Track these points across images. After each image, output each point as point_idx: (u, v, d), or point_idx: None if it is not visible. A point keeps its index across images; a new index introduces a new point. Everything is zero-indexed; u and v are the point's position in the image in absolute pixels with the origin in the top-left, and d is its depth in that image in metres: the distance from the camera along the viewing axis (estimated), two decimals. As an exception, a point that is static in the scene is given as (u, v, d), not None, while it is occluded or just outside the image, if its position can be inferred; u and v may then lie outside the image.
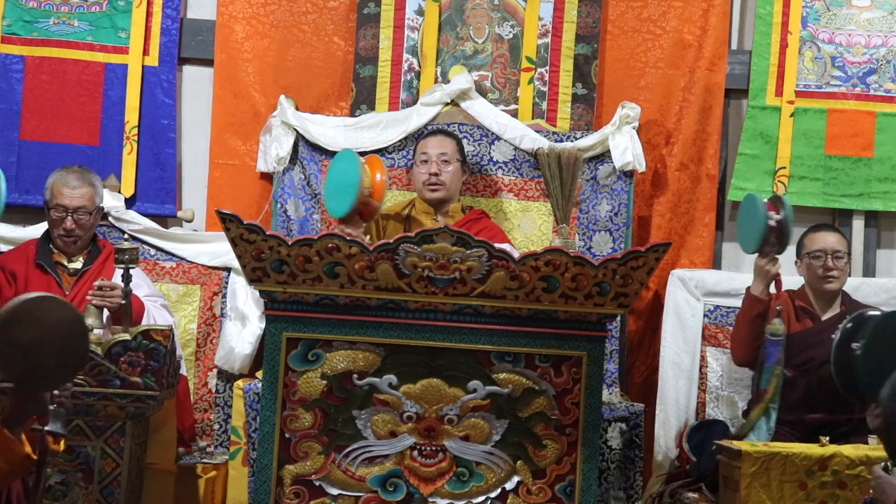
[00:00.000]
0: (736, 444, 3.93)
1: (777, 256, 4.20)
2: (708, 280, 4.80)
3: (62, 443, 3.17)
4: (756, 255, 4.23)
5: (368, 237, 4.32)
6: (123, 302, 3.96)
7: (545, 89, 5.02)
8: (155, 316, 4.27)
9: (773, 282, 4.22)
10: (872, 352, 3.90)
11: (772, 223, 4.11)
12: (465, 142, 4.78)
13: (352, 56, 5.05)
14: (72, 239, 4.34)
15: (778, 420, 4.14)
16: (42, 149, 4.97)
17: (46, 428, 3.05)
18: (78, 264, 4.35)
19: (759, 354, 4.23)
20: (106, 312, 4.06)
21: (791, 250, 4.43)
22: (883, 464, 3.03)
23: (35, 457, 2.88)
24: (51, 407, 3.07)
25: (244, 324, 4.67)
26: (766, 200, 4.16)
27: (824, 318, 4.40)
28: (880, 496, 2.99)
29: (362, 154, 4.62)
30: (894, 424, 2.90)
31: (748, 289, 4.29)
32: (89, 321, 3.89)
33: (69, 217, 4.31)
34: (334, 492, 3.44)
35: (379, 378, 3.43)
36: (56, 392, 3.09)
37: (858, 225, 5.07)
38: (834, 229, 4.61)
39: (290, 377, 3.44)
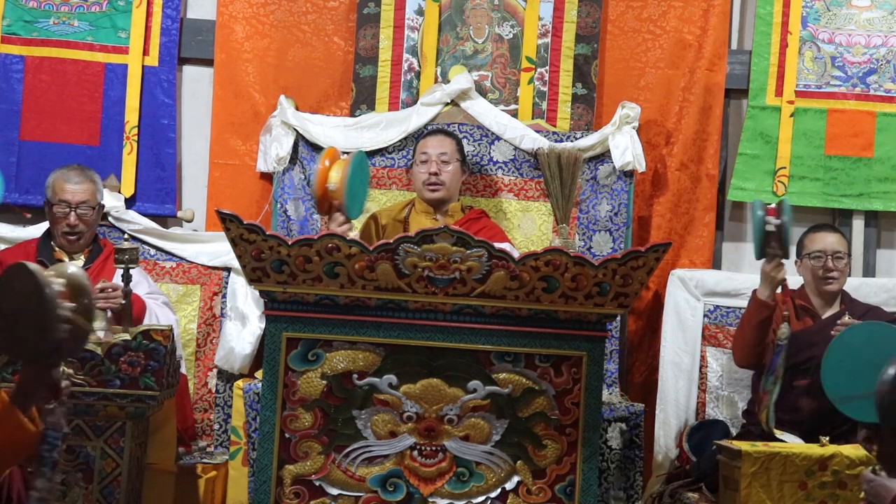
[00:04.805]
0: (736, 444, 3.93)
1: (782, 261, 4.19)
2: (708, 280, 4.81)
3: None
4: (763, 260, 4.23)
5: (355, 233, 4.25)
6: (124, 302, 3.96)
7: (545, 89, 5.02)
8: (157, 314, 4.27)
9: (780, 286, 4.23)
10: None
11: (770, 228, 4.08)
12: (465, 142, 4.78)
13: (352, 56, 5.05)
14: (75, 236, 4.34)
15: (777, 420, 4.14)
16: (42, 149, 4.97)
17: (44, 427, 3.03)
18: (79, 262, 4.36)
19: (767, 358, 4.24)
20: (109, 313, 4.06)
21: (791, 252, 4.44)
22: (871, 468, 3.03)
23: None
24: (48, 406, 3.06)
25: (244, 324, 4.67)
26: (770, 206, 4.14)
27: (824, 317, 4.41)
28: (875, 499, 2.97)
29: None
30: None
31: (755, 292, 4.28)
32: (95, 324, 3.89)
33: (72, 213, 4.32)
34: (334, 492, 3.44)
35: (379, 378, 3.43)
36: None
37: (858, 225, 5.07)
38: (834, 229, 4.61)
39: (290, 377, 3.44)
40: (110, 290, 4.04)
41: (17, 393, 2.78)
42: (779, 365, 4.13)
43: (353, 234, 4.11)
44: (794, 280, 4.52)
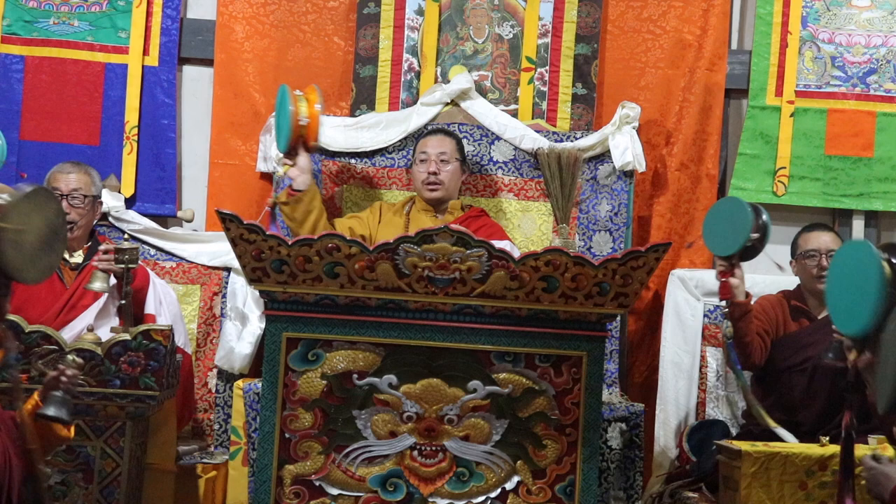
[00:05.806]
0: (736, 444, 3.93)
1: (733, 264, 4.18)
2: (708, 280, 4.80)
3: (71, 429, 3.18)
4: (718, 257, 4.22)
5: (367, 212, 4.33)
6: (124, 302, 3.98)
7: (545, 89, 5.02)
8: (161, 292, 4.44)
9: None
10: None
11: (752, 237, 4.07)
12: (465, 142, 4.78)
13: (352, 56, 5.05)
14: (67, 226, 4.33)
15: (776, 420, 4.14)
16: (42, 149, 4.98)
17: (49, 413, 3.06)
18: (79, 259, 4.37)
19: (757, 358, 4.26)
20: (112, 279, 4.07)
21: (787, 250, 4.44)
22: (871, 453, 2.98)
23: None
24: (56, 393, 3.08)
25: (244, 324, 4.67)
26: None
27: (820, 317, 4.40)
28: (875, 487, 2.92)
29: (360, 154, 4.71)
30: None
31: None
32: (96, 285, 4.00)
33: (64, 200, 4.32)
34: (334, 492, 3.44)
35: (379, 378, 3.43)
36: (64, 379, 3.10)
37: (858, 225, 5.07)
38: (828, 228, 4.60)
39: (290, 377, 3.44)
40: (111, 252, 4.07)
41: None
42: (733, 361, 4.16)
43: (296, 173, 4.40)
44: (792, 280, 4.52)
